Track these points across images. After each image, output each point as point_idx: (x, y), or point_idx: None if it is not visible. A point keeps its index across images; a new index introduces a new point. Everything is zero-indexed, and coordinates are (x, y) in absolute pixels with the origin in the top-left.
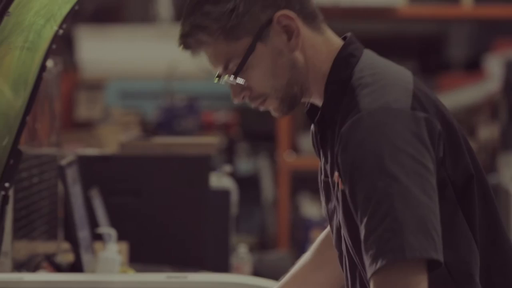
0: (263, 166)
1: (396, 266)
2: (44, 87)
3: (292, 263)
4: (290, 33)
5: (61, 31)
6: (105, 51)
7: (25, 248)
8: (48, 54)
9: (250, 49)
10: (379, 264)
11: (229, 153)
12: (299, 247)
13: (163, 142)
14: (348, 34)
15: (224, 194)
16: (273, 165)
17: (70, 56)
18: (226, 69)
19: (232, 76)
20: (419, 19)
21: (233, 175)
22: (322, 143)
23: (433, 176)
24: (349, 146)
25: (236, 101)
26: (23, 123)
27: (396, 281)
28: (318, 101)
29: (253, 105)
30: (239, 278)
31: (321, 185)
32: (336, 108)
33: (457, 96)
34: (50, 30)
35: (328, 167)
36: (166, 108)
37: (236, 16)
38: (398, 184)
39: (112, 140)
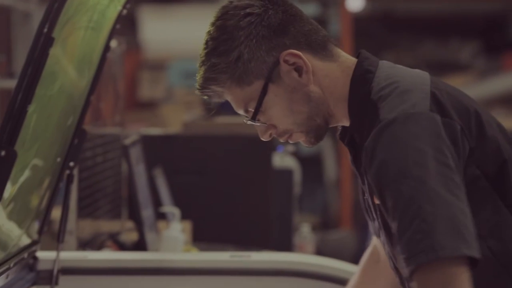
0: (326, 145)
1: (430, 266)
2: (107, 67)
3: (355, 243)
4: (299, 70)
5: (124, 11)
6: (168, 31)
7: (89, 226)
8: (112, 34)
9: (263, 92)
10: (412, 267)
11: None
12: (362, 227)
13: (226, 121)
14: (361, 51)
15: (287, 173)
16: (336, 145)
17: (133, 36)
18: (246, 112)
19: (252, 119)
20: None
21: (296, 154)
22: (355, 164)
23: (457, 174)
24: (373, 158)
25: (265, 139)
26: (87, 103)
27: (432, 282)
28: (347, 123)
29: (281, 140)
30: (302, 257)
31: (363, 205)
32: (362, 126)
33: None
34: (114, 10)
35: (365, 187)
36: None
37: (242, 63)
38: (423, 186)
39: (175, 119)
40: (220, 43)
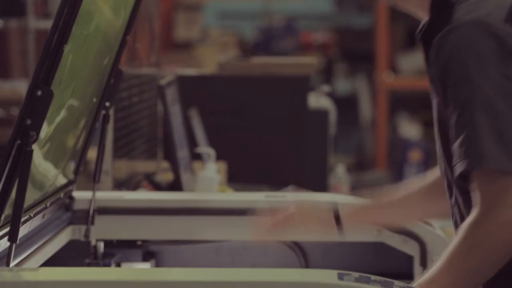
0: (361, 86)
1: (476, 174)
2: (143, 7)
3: (389, 183)
4: None
5: None
6: None
7: (125, 167)
8: None
9: None
10: (457, 172)
11: (327, 74)
12: (397, 167)
13: (262, 62)
14: None
15: (322, 114)
16: (371, 86)
17: None
18: None
19: None
20: None
21: (331, 95)
22: (426, 61)
23: None
24: (438, 57)
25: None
26: (123, 43)
27: (481, 188)
28: (421, 15)
29: None
30: (337, 198)
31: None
32: (436, 23)
33: None
34: None
35: (432, 86)
36: (264, 29)
37: None
38: (480, 93)
39: (210, 60)
40: None
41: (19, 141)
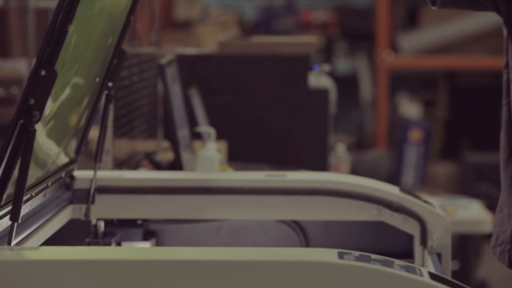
0: (361, 65)
1: None
2: None
3: (390, 163)
4: None
5: None
6: None
7: (125, 146)
8: None
9: None
10: None
11: (327, 53)
12: (397, 147)
13: (262, 41)
14: None
15: (322, 93)
16: (372, 65)
17: None
18: None
19: None
20: None
21: (331, 74)
22: None
23: None
24: None
25: None
26: (127, 23)
27: None
28: None
29: None
30: (337, 177)
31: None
32: None
33: None
34: None
35: None
36: (265, 8)
37: None
38: None
39: (210, 39)
40: None
41: (22, 121)
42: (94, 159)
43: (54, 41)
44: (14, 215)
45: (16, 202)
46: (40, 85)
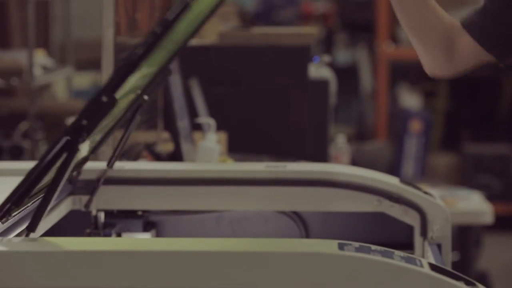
0: (361, 56)
1: None
2: None
3: (390, 154)
4: None
5: None
6: None
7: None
8: None
9: None
10: None
11: (327, 44)
12: (397, 138)
13: (262, 32)
14: None
15: (322, 84)
16: (372, 56)
17: None
18: None
19: None
20: None
21: (332, 65)
22: None
23: None
24: None
25: None
26: (184, 45)
27: None
28: None
29: None
30: (337, 168)
31: None
32: None
33: None
34: None
35: None
36: None
37: None
38: None
39: (210, 30)
40: None
41: (68, 137)
42: (107, 164)
43: (124, 75)
44: (31, 226)
45: (38, 214)
46: (97, 109)
